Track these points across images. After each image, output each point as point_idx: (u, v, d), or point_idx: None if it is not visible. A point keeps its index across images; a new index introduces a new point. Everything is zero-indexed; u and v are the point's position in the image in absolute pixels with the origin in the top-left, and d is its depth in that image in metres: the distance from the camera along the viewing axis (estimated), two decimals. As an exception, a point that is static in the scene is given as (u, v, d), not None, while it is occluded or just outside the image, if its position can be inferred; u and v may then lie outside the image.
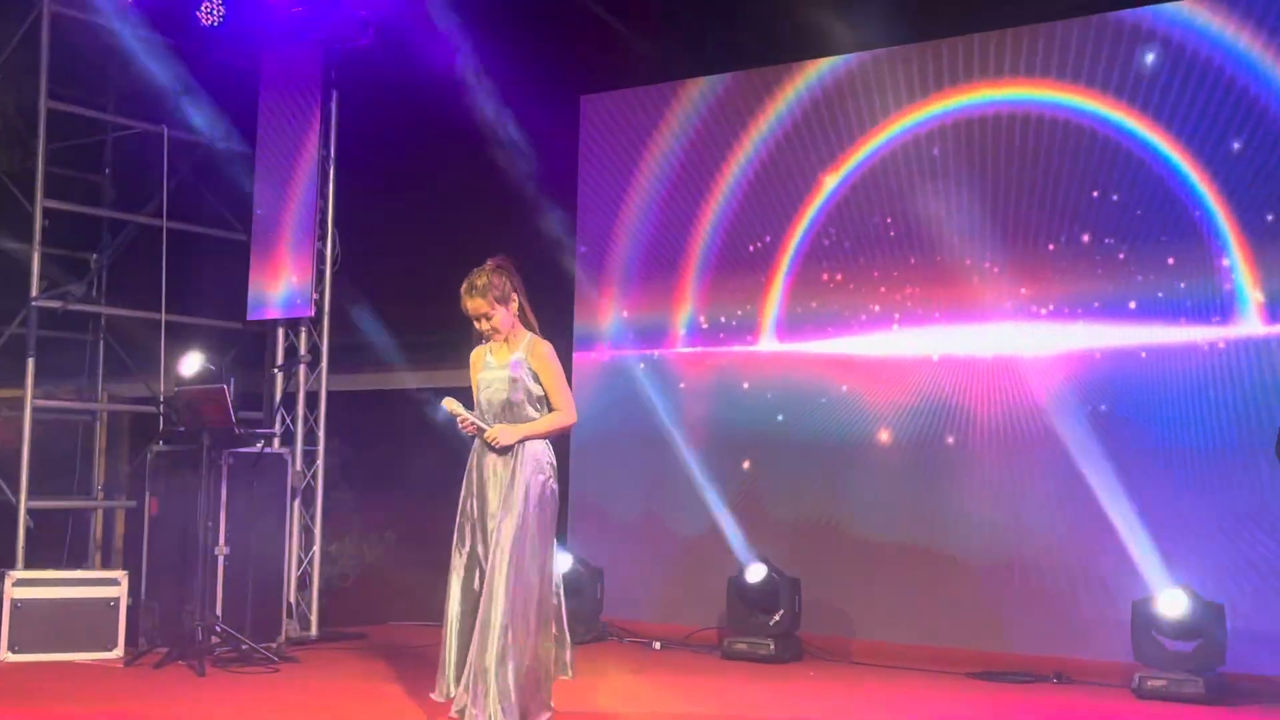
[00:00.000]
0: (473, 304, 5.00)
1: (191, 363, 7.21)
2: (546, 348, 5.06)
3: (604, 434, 8.22)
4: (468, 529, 5.03)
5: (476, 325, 5.05)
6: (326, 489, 7.86)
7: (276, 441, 7.44)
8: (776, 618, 7.11)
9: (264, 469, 7.10)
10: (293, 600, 7.54)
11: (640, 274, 8.30)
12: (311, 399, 7.90)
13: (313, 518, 7.78)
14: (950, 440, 7.18)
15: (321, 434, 7.85)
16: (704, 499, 7.87)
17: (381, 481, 8.79)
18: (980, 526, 7.05)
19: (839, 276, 7.62)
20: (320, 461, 7.82)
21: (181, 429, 6.91)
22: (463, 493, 5.07)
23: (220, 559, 6.88)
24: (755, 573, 7.19)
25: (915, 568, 7.21)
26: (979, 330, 7.16)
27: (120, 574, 6.91)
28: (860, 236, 7.55)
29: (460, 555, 5.03)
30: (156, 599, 7.00)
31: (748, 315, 7.92)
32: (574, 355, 8.38)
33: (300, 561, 7.69)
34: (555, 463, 5.06)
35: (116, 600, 6.80)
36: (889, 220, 7.45)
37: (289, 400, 7.83)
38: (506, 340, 5.06)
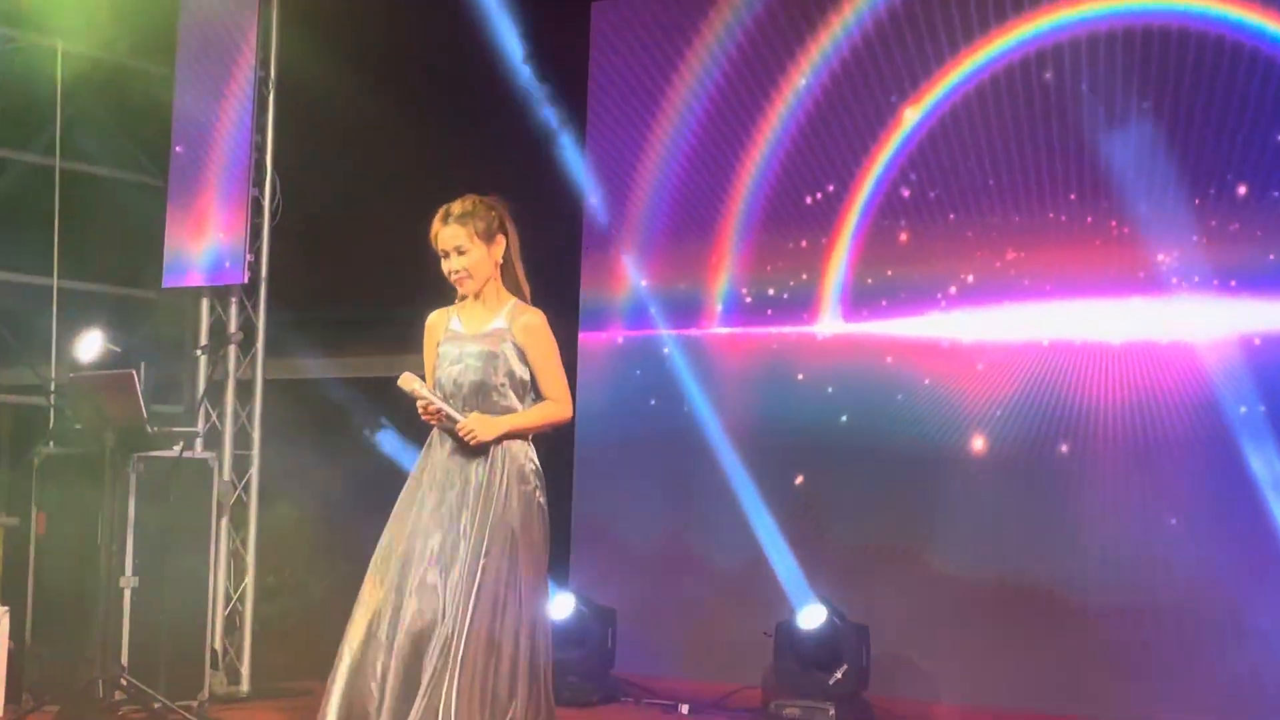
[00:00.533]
0: (446, 232, 4.76)
1: (91, 342, 7.19)
2: (537, 318, 4.82)
3: (617, 437, 8.23)
4: (397, 556, 4.62)
5: (444, 265, 4.79)
6: (262, 505, 7.86)
7: (200, 443, 7.41)
8: (838, 675, 7.08)
9: (183, 478, 7.09)
10: (219, 647, 7.53)
11: (666, 232, 8.26)
12: (244, 389, 7.89)
13: (244, 541, 7.78)
14: (1064, 448, 7.14)
15: (256, 434, 7.85)
16: (745, 522, 7.87)
17: (332, 495, 8.74)
18: (1104, 559, 7.01)
19: (921, 238, 7.58)
20: (254, 469, 7.83)
21: (78, 426, 6.89)
22: (399, 503, 4.75)
23: (127, 593, 6.87)
24: (811, 617, 7.18)
25: (1018, 612, 7.18)
26: (1103, 308, 7.11)
27: (-1, 611, 6.88)
28: (949, 186, 7.52)
29: (377, 587, 4.62)
30: (45, 643, 6.99)
31: (803, 287, 7.88)
32: (580, 335, 8.36)
33: (228, 598, 7.70)
34: (541, 469, 4.82)
35: (-6, 644, 6.76)
36: (986, 166, 7.39)
37: (215, 391, 7.81)
38: (481, 300, 4.82)
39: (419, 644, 4.51)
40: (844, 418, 7.74)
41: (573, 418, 4.94)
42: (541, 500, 4.77)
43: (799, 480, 7.85)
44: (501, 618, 4.56)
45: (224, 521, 7.62)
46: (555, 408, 4.82)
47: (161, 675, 6.87)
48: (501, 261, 4.82)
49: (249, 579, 7.75)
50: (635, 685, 7.79)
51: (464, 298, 4.85)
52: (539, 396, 4.82)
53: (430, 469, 4.74)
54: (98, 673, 6.49)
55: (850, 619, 7.17)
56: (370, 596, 4.63)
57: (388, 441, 8.56)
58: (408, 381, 4.69)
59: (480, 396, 4.74)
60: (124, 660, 6.75)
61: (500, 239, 4.80)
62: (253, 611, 7.76)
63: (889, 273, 7.66)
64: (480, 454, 4.70)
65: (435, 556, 4.61)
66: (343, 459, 8.81)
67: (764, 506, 7.86)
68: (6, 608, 6.89)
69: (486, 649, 4.52)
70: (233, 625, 7.72)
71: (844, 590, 7.39)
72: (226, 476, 7.66)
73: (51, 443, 7.26)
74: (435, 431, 4.78)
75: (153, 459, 7.00)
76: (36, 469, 7.19)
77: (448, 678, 4.45)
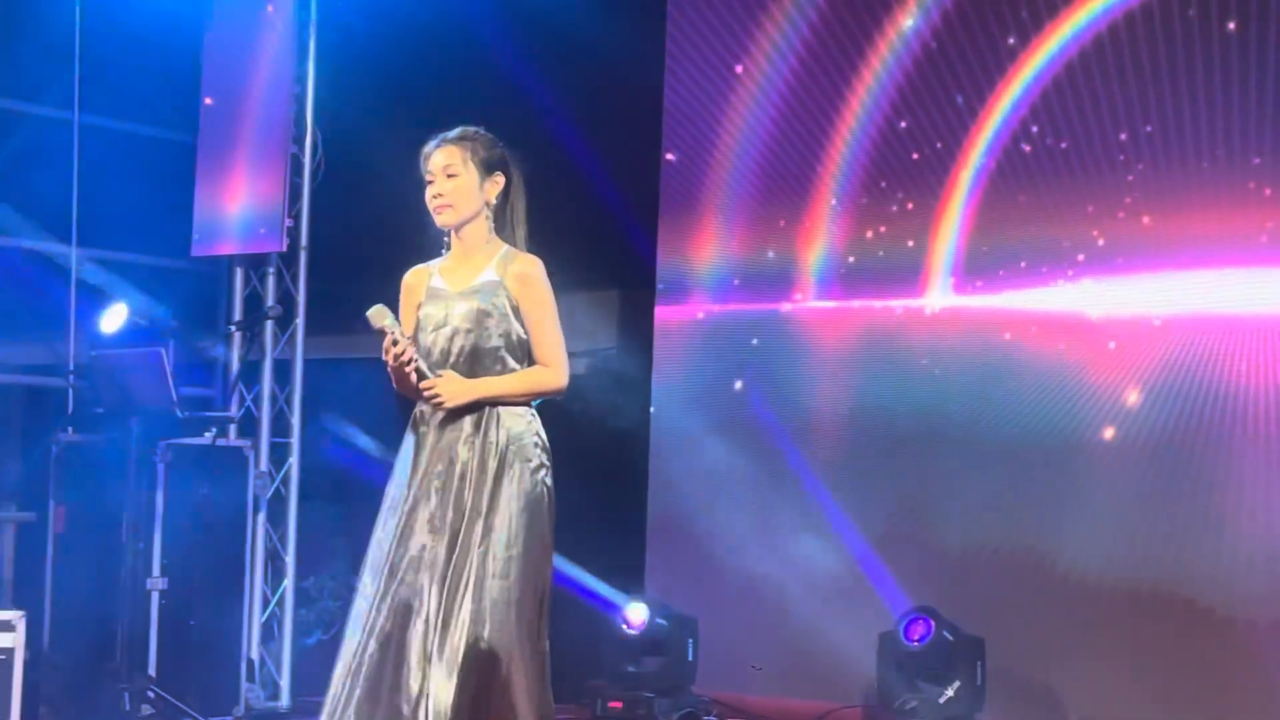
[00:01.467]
0: (441, 153, 4.61)
1: (114, 316, 7.23)
2: (533, 265, 4.62)
3: (697, 425, 8.22)
4: (393, 545, 4.47)
5: (427, 193, 4.62)
6: (302, 498, 7.89)
7: (234, 430, 7.44)
8: (950, 692, 7.03)
9: (216, 468, 7.14)
10: (255, 656, 7.58)
11: (753, 194, 8.26)
12: (282, 369, 7.93)
13: (283, 539, 7.81)
14: (1208, 437, 7.07)
15: (296, 420, 7.91)
16: (842, 520, 7.84)
17: (379, 488, 8.75)
18: (1254, 563, 6.94)
19: (1044, 199, 7.52)
20: (294, 459, 7.87)
21: (100, 410, 6.95)
22: (390, 485, 4.58)
23: (154, 596, 6.91)
24: (918, 629, 7.12)
25: (1155, 623, 7.13)
26: (1252, 278, 7.04)
27: (14, 615, 6.90)
28: (1076, 140, 7.44)
29: (372, 584, 4.48)
30: (65, 652, 7.05)
31: (909, 255, 7.86)
32: (656, 310, 8.33)
33: (266, 601, 7.71)
34: (549, 446, 4.62)
35: (9, 653, 6.79)
36: (1120, 117, 7.35)
37: (251, 371, 7.83)
38: (465, 248, 4.64)
39: (395, 661, 4.41)
40: (954, 403, 7.70)
41: (566, 387, 4.67)
42: (548, 483, 4.57)
43: (903, 473, 7.81)
44: (527, 621, 4.44)
45: (260, 518, 7.66)
46: (546, 374, 4.60)
47: (192, 687, 6.92)
48: (494, 204, 4.66)
49: (288, 581, 7.80)
50: (719, 703, 7.78)
51: (446, 248, 4.68)
52: (533, 361, 4.62)
53: (419, 446, 4.55)
54: (122, 684, 6.54)
55: (963, 630, 7.11)
56: (366, 594, 4.52)
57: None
58: (380, 316, 4.46)
59: (474, 365, 4.54)
60: (151, 670, 6.81)
61: (499, 177, 4.64)
62: (292, 617, 7.78)
63: (1006, 239, 7.60)
64: (474, 429, 4.51)
65: (417, 561, 4.45)
66: (390, 446, 8.82)
67: (863, 503, 7.83)
68: (22, 612, 6.92)
69: (524, 658, 4.41)
70: (270, 633, 7.76)
71: (955, 598, 7.35)
72: (263, 467, 7.71)
73: (70, 428, 7.32)
74: (419, 404, 4.57)
75: (182, 447, 7.07)
76: (54, 458, 7.26)
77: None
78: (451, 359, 4.53)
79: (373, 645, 4.43)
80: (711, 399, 8.25)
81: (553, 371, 4.61)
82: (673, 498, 8.32)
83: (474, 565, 4.41)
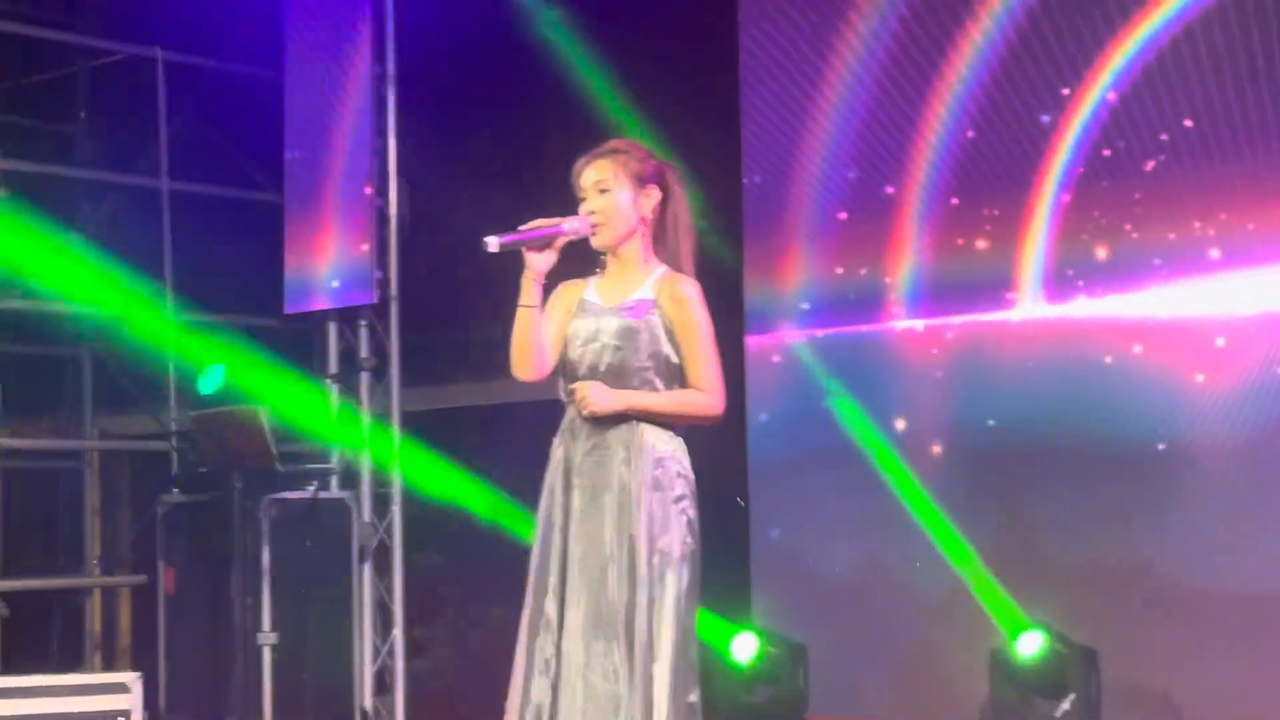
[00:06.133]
0: (591, 169, 4.44)
1: (213, 377, 7.31)
2: (691, 287, 4.43)
3: (795, 452, 8.16)
4: (549, 593, 4.39)
5: (581, 208, 4.44)
6: (408, 548, 7.92)
7: (335, 482, 7.49)
8: (1065, 705, 6.99)
9: (320, 521, 7.19)
10: (369, 707, 7.60)
11: (839, 214, 8.19)
12: (380, 421, 7.96)
13: (390, 589, 7.84)
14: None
15: (397, 470, 7.90)
16: (947, 539, 7.75)
17: (486, 535, 8.81)
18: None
19: (1136, 195, 7.39)
20: (397, 508, 7.90)
21: (203, 469, 7.02)
22: (541, 522, 4.44)
23: (266, 650, 6.97)
24: (1030, 643, 7.10)
25: (1272, 627, 6.99)
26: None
27: (130, 676, 6.99)
28: (1178, 129, 7.26)
29: (538, 644, 4.38)
30: (181, 710, 7.13)
31: (997, 267, 7.76)
32: (746, 340, 8.32)
33: (377, 652, 7.76)
34: (693, 476, 4.46)
35: (127, 714, 6.90)
36: (1199, 116, 7.23)
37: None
38: (622, 265, 4.48)
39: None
40: (1052, 415, 7.58)
41: (721, 416, 4.49)
42: (694, 515, 4.41)
43: (1007, 486, 7.74)
44: (682, 673, 4.35)
45: (366, 568, 7.70)
46: (700, 397, 4.42)
47: (308, 739, 6.98)
48: (652, 219, 4.49)
49: (397, 631, 7.82)
50: (834, 729, 7.78)
51: (601, 267, 4.53)
52: (685, 386, 4.44)
53: (565, 472, 4.42)
54: (239, 739, 6.61)
55: (1076, 642, 7.07)
56: (532, 660, 4.40)
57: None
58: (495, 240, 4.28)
59: (618, 382, 4.39)
60: (267, 724, 6.86)
61: (654, 190, 4.47)
62: (404, 668, 7.82)
63: (1098, 243, 7.51)
64: (619, 447, 4.36)
65: (566, 589, 4.36)
66: (489, 492, 8.87)
67: (967, 519, 7.73)
68: (139, 674, 7.04)
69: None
70: (383, 683, 7.79)
71: (1065, 611, 7.27)
72: (366, 517, 7.74)
73: (175, 490, 7.40)
74: (566, 419, 4.46)
75: (286, 501, 7.12)
76: (161, 520, 7.33)
77: None
78: (598, 375, 4.40)
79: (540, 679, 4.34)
80: (806, 424, 8.18)
81: (709, 397, 4.42)
82: (775, 527, 8.28)
83: (644, 610, 4.28)
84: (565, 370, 4.47)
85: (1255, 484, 7.09)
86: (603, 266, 4.53)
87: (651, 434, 4.38)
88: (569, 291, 4.53)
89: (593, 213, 4.42)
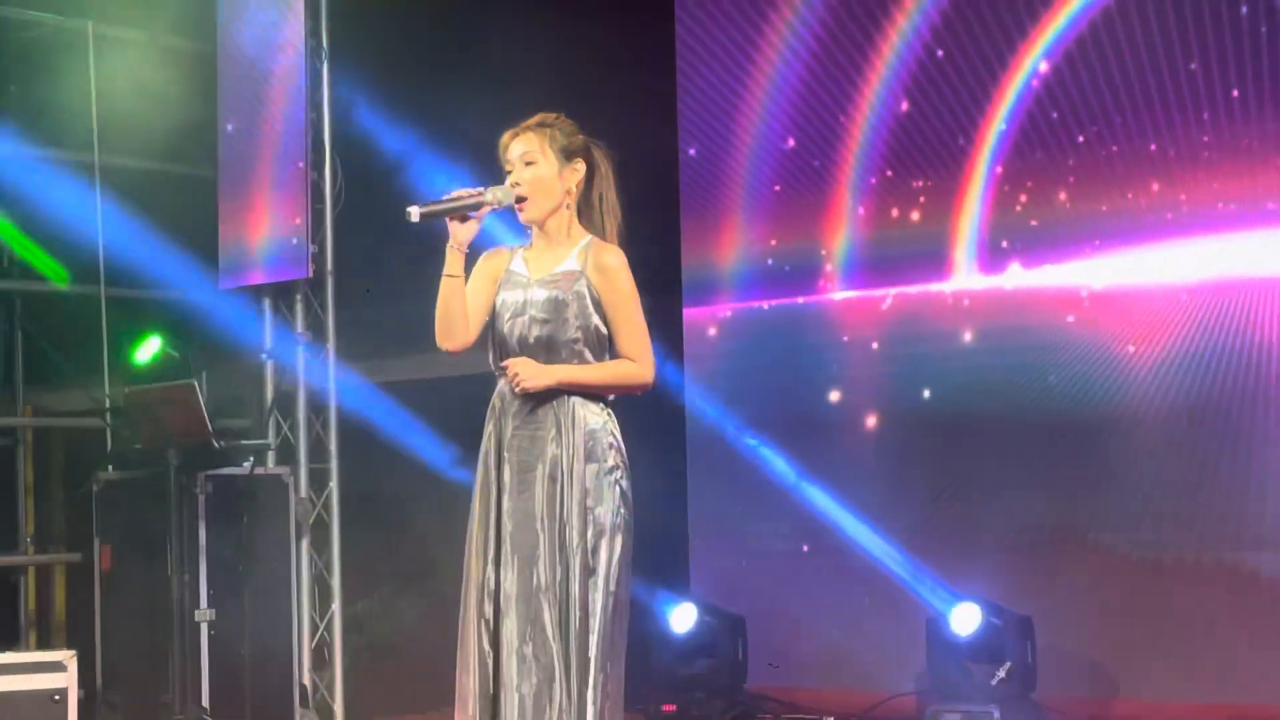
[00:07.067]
0: (518, 142, 4.45)
1: (148, 348, 7.27)
2: (615, 256, 4.44)
3: (733, 424, 8.22)
4: (488, 566, 4.41)
5: (507, 180, 4.44)
6: (345, 522, 7.90)
7: (271, 457, 7.46)
8: (1001, 673, 7.02)
9: (257, 497, 7.15)
10: (308, 682, 7.59)
11: (777, 185, 8.22)
12: (316, 396, 7.93)
13: (329, 564, 7.83)
14: (1249, 403, 7.02)
15: (334, 444, 7.92)
16: (884, 510, 7.83)
17: (423, 509, 8.80)
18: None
19: (1070, 163, 7.46)
20: (334, 483, 7.89)
21: (137, 446, 6.97)
22: (476, 498, 4.45)
23: (204, 627, 6.94)
24: (965, 614, 7.13)
25: (1203, 593, 7.09)
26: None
27: (66, 655, 6.95)
28: (1111, 99, 7.34)
29: (481, 619, 4.40)
30: (119, 688, 7.09)
31: (932, 238, 7.83)
32: (685, 312, 8.34)
33: (315, 628, 7.74)
34: (624, 448, 4.45)
35: (63, 693, 6.85)
36: (1133, 88, 7.28)
37: (285, 400, 7.87)
38: (548, 237, 4.48)
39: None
40: (986, 384, 7.66)
41: (652, 384, 4.49)
42: (625, 486, 4.41)
43: (940, 458, 7.79)
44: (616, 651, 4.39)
45: (304, 544, 7.68)
46: (631, 368, 4.42)
47: (248, 716, 6.94)
48: (577, 192, 4.50)
49: (335, 606, 7.81)
50: (772, 700, 7.79)
51: (529, 238, 4.53)
52: (616, 354, 4.45)
53: (497, 446, 4.41)
54: (177, 717, 6.57)
55: (1011, 610, 7.10)
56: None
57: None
58: (415, 211, 4.29)
59: (550, 356, 4.39)
60: (205, 702, 6.83)
61: (579, 164, 4.48)
62: (342, 642, 7.81)
63: (1031, 215, 7.58)
64: (549, 422, 4.36)
65: (500, 565, 4.37)
66: (428, 468, 8.85)
67: (902, 490, 7.82)
68: (74, 652, 6.98)
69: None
70: (321, 658, 7.78)
71: (1002, 580, 7.34)
72: (304, 493, 7.73)
73: (110, 467, 7.36)
74: (497, 393, 4.45)
75: (222, 478, 7.07)
76: (95, 497, 7.28)
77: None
78: (528, 349, 4.39)
79: (486, 640, 4.37)
80: (744, 396, 8.23)
81: (639, 366, 4.43)
82: (712, 499, 8.32)
83: (577, 582, 4.30)
84: (495, 343, 4.47)
85: (1188, 452, 7.18)
86: (529, 237, 4.55)
87: (582, 407, 4.38)
88: (494, 261, 4.52)
89: (518, 185, 4.42)
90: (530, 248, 4.52)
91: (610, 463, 4.37)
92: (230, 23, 8.01)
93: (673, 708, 7.57)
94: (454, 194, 4.36)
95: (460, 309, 4.42)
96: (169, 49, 8.33)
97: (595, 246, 4.46)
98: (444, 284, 4.40)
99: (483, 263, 4.53)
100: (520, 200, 4.43)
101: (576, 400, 4.38)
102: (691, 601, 7.73)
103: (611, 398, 4.47)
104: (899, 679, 7.61)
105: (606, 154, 4.58)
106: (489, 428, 4.45)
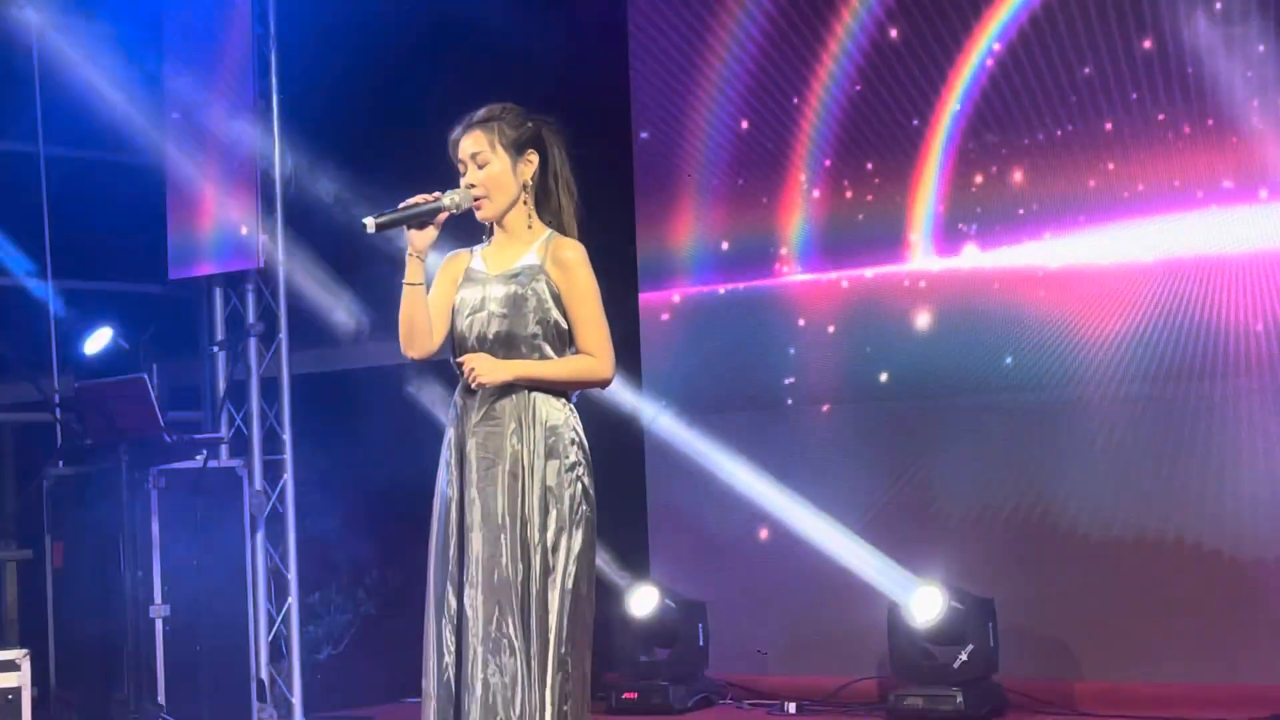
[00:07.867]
0: (467, 140, 4.38)
1: (98, 339, 7.23)
2: (575, 251, 4.38)
3: (691, 408, 8.22)
4: (450, 564, 4.37)
5: (462, 180, 4.39)
6: (300, 515, 7.88)
7: (225, 450, 7.43)
8: (963, 656, 7.07)
9: (210, 491, 7.13)
10: (265, 676, 7.57)
11: (732, 169, 8.22)
12: (269, 387, 7.93)
13: (284, 557, 7.81)
14: (1207, 382, 7.06)
15: (287, 436, 7.90)
16: (843, 493, 7.83)
17: (379, 501, 8.76)
18: (1255, 507, 6.94)
19: (1025, 143, 7.47)
20: (289, 475, 7.87)
21: (88, 441, 6.92)
22: (437, 496, 4.41)
23: (158, 623, 6.92)
24: (926, 598, 7.15)
25: (1160, 573, 7.14)
26: (1238, 217, 7.01)
27: (19, 654, 6.90)
28: (1066, 79, 7.37)
29: (443, 618, 4.36)
30: (73, 687, 7.06)
31: (888, 220, 7.82)
32: (640, 297, 8.33)
33: (271, 620, 7.71)
34: (587, 444, 4.40)
35: (16, 692, 6.80)
36: (1115, 53, 7.28)
37: (237, 391, 7.83)
38: (507, 233, 4.43)
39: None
40: (944, 366, 7.69)
41: (612, 379, 4.45)
42: (587, 483, 4.37)
43: (900, 441, 7.81)
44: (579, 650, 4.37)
45: (259, 537, 7.66)
46: (591, 362, 4.37)
47: (204, 711, 6.92)
48: (533, 184, 4.43)
49: (291, 598, 7.79)
50: (735, 685, 7.83)
51: (489, 235, 4.47)
52: (575, 351, 4.40)
53: (458, 444, 4.36)
54: (132, 713, 6.54)
55: (973, 594, 7.15)
56: (437, 632, 4.38)
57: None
58: (372, 222, 4.23)
59: (509, 352, 4.33)
60: (161, 698, 6.81)
61: (532, 155, 4.41)
62: (299, 635, 7.79)
63: (983, 198, 7.60)
64: (510, 419, 4.31)
65: (465, 561, 4.33)
66: (388, 461, 8.81)
67: (862, 473, 7.83)
68: (27, 650, 6.93)
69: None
70: (278, 651, 7.76)
71: (962, 562, 7.38)
72: (258, 486, 7.70)
73: (61, 462, 7.31)
74: (458, 391, 4.39)
75: (174, 472, 7.05)
76: (46, 493, 7.24)
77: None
78: (487, 345, 4.34)
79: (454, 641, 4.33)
80: (700, 382, 8.23)
81: (598, 361, 4.38)
82: (671, 486, 8.31)
83: (538, 579, 4.27)
84: (454, 341, 4.42)
85: (1146, 432, 7.23)
86: (488, 235, 4.50)
87: (543, 402, 4.34)
88: (455, 262, 4.49)
89: (473, 186, 4.37)
90: (489, 244, 4.47)
91: (572, 459, 4.33)
92: (176, 10, 7.94)
93: (634, 695, 7.57)
94: (410, 202, 4.30)
95: (422, 316, 4.37)
96: (115, 37, 8.24)
97: (555, 241, 4.41)
98: (405, 292, 4.36)
99: (445, 265, 4.50)
100: (478, 200, 4.38)
101: (538, 396, 4.34)
102: (652, 587, 7.73)
103: (573, 393, 4.44)
104: (861, 664, 7.64)
105: (556, 131, 4.50)
106: (450, 425, 4.41)
